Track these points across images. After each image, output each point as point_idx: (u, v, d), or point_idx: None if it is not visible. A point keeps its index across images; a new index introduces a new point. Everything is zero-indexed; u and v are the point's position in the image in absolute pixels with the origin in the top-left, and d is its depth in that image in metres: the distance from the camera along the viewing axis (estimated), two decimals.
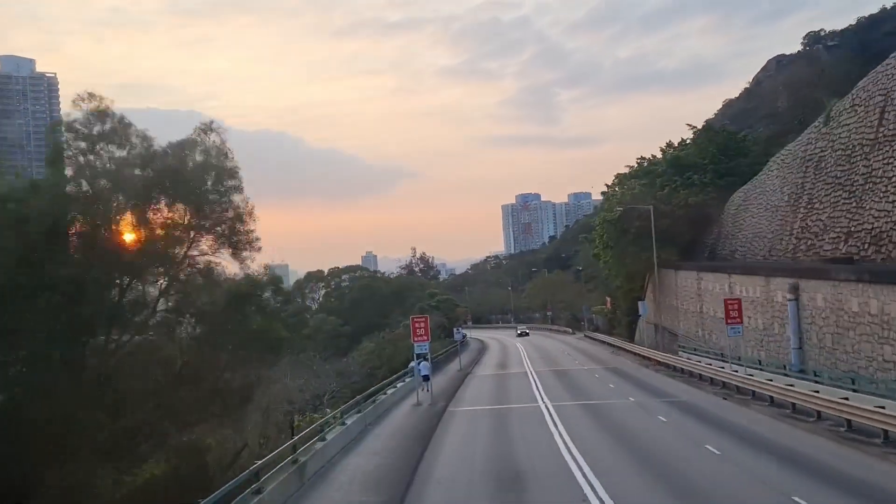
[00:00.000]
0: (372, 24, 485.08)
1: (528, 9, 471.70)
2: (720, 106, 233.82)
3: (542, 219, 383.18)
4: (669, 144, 73.77)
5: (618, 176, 70.11)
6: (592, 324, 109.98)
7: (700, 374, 42.03)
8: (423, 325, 39.10)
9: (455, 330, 64.64)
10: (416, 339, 39.00)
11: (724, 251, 55.63)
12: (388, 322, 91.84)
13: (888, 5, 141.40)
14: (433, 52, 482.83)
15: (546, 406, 35.75)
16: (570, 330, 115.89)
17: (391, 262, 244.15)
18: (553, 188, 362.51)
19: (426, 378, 43.38)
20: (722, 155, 61.97)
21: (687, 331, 58.76)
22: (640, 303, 63.85)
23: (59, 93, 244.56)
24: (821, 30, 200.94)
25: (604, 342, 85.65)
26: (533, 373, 55.85)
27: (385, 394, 39.23)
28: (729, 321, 37.63)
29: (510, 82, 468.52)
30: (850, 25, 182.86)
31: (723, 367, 39.59)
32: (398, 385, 43.53)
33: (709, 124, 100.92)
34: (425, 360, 42.79)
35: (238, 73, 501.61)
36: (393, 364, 56.34)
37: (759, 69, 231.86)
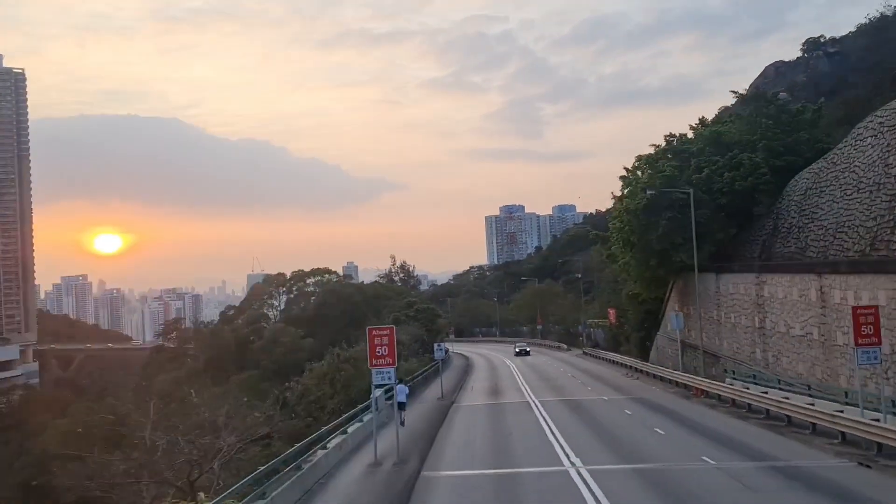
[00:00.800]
0: (357, 35, 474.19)
1: (513, 24, 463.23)
2: (716, 113, 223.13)
3: (527, 230, 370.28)
4: (703, 121, 60.31)
5: (640, 158, 56.57)
6: (591, 339, 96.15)
7: (808, 423, 28.07)
8: (385, 340, 24.83)
9: (436, 346, 50.47)
10: (374, 362, 24.86)
11: (787, 249, 42.01)
12: (359, 334, 77.73)
13: (889, 13, 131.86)
14: (418, 64, 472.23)
15: (580, 475, 21.74)
16: (565, 346, 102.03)
17: (373, 272, 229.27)
18: (537, 201, 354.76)
19: (401, 406, 33.40)
20: (778, 128, 48.53)
21: (736, 351, 44.99)
22: (672, 315, 50.04)
23: (27, 88, 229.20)
24: (820, 36, 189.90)
25: (611, 361, 71.76)
26: (537, 404, 41.88)
27: (327, 447, 25.11)
28: (861, 342, 23.84)
29: (495, 96, 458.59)
30: (850, 32, 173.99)
31: (841, 411, 25.75)
32: (350, 429, 29.37)
33: (759, 91, 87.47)
34: (401, 382, 34.62)
35: (221, 81, 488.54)
36: (351, 392, 42.17)
37: (756, 76, 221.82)
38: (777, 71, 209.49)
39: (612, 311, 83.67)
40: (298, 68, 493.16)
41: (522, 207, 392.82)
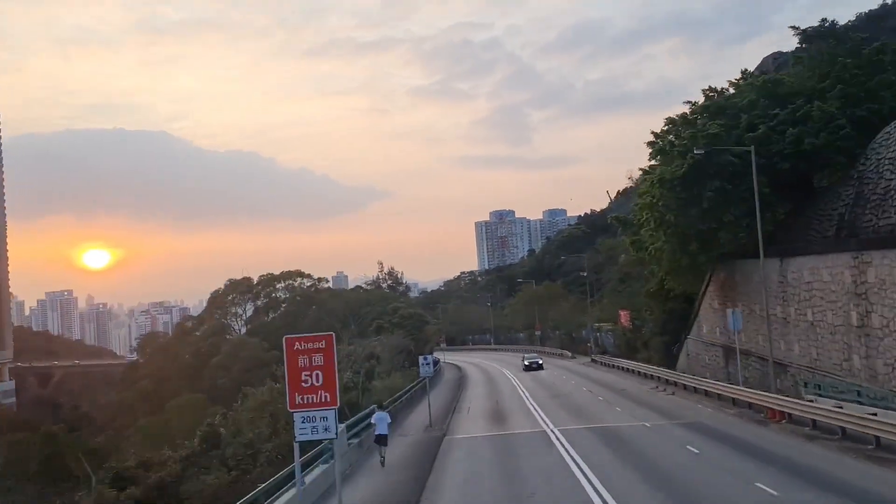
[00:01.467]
0: (343, 45, 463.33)
1: (499, 30, 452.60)
2: (756, 65, 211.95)
3: (518, 234, 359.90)
4: (745, 73, 49.51)
5: (669, 121, 45.40)
6: (598, 345, 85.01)
7: None
8: (318, 359, 13.52)
9: (422, 359, 39.07)
10: (298, 399, 13.56)
11: (886, 219, 31.07)
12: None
13: (889, 1, 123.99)
14: (405, 72, 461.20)
15: None
16: (569, 353, 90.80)
17: (362, 281, 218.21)
18: (527, 207, 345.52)
19: (382, 440, 26.40)
20: (858, 69, 37.59)
21: (815, 358, 33.89)
22: (729, 312, 38.86)
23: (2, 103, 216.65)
24: (823, 21, 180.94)
25: (629, 371, 60.71)
26: (557, 434, 30.70)
27: None
28: None
29: (482, 103, 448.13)
30: (850, 21, 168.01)
31: None
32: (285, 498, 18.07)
33: (828, 29, 76.65)
34: (381, 407, 29.01)
35: (208, 93, 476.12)
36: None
37: (755, 66, 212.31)
38: (775, 61, 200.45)
39: (623, 313, 72.66)
40: (285, 78, 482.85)
41: (512, 212, 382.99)
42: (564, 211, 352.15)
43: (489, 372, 79.01)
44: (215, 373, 64.38)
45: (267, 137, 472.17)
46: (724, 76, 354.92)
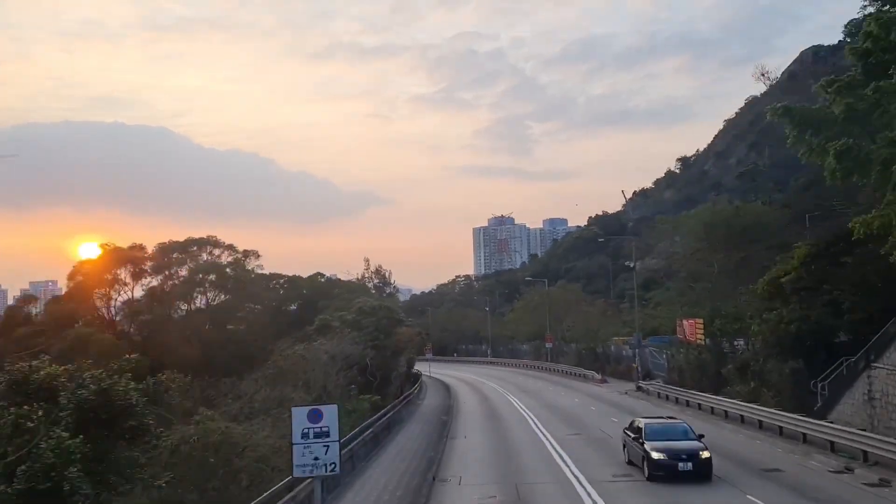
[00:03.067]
0: (348, 49, 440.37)
1: (503, 41, 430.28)
2: (742, 105, 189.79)
3: (518, 239, 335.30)
4: None
5: None
6: (645, 368, 59.74)
7: None
8: None
9: (297, 413, 13.97)
10: None
11: None
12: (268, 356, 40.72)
13: None
14: (409, 79, 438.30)
15: None
16: (597, 375, 65.72)
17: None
18: (526, 217, 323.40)
19: None
20: None
21: None
22: None
23: None
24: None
25: (719, 413, 36.03)
26: None
27: None
28: None
29: (484, 113, 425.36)
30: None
31: None
32: None
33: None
34: None
35: (210, 91, 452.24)
36: None
37: (791, 61, 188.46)
38: (815, 56, 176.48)
39: (690, 323, 48.06)
40: (288, 80, 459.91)
41: (512, 219, 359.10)
42: (565, 220, 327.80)
43: (489, 397, 54.50)
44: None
45: (268, 138, 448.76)
46: (725, 96, 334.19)
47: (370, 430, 28.29)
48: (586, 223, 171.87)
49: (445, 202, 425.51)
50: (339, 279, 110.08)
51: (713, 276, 45.98)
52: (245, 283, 44.91)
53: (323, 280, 70.92)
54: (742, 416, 35.31)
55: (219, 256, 48.72)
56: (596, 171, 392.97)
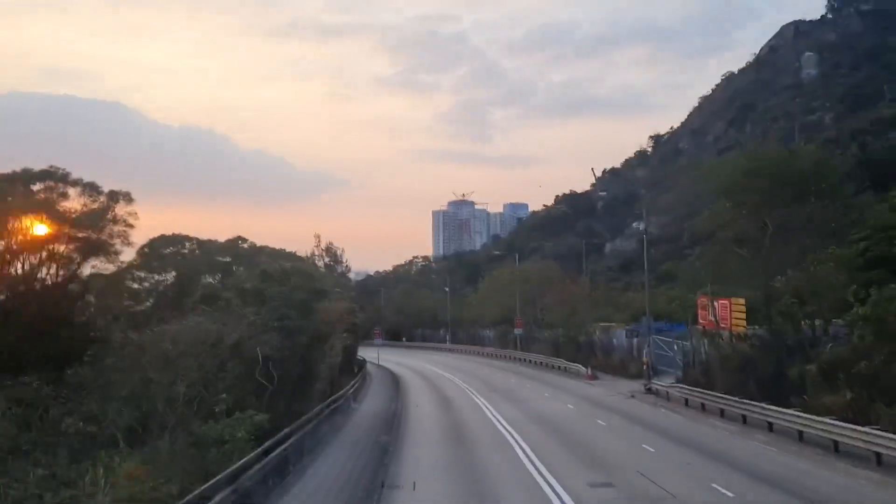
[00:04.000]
0: (308, 28, 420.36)
1: (466, 24, 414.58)
2: (718, 80, 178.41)
3: (478, 220, 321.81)
4: None
5: None
6: (648, 365, 45.65)
7: None
8: None
9: None
10: None
11: None
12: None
13: None
14: (370, 60, 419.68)
15: None
16: (583, 368, 51.91)
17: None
18: (486, 202, 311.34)
19: None
20: None
21: None
22: None
23: None
24: None
25: (801, 436, 22.80)
26: None
27: None
28: None
29: (445, 97, 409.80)
30: None
31: None
32: None
33: None
34: None
35: (165, 65, 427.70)
36: None
37: (771, 35, 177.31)
38: (797, 30, 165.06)
39: (723, 304, 34.69)
40: (245, 57, 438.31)
41: (472, 203, 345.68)
42: (526, 205, 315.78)
43: (452, 402, 40.46)
44: None
45: (224, 115, 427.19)
46: (686, 87, 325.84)
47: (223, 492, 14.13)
48: (553, 203, 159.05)
49: (404, 186, 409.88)
50: (269, 247, 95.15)
51: (764, 239, 32.67)
52: (103, 242, 29.71)
53: (246, 245, 56.46)
54: (836, 441, 22.22)
55: (64, 199, 33.45)
56: (556, 157, 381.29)
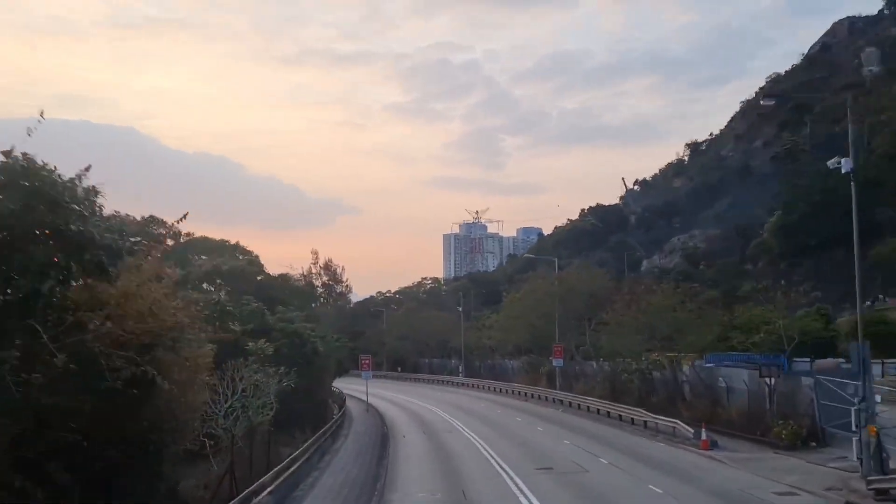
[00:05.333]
0: (320, 55, 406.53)
1: (478, 53, 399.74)
2: (762, 83, 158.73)
3: (491, 243, 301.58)
4: None
5: None
6: (801, 408, 25.51)
7: None
8: None
9: None
10: None
11: None
12: None
13: None
14: (381, 88, 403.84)
15: None
16: (685, 426, 31.41)
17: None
18: (498, 229, 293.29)
19: None
20: None
21: None
22: None
23: None
24: None
25: None
26: None
27: None
28: None
29: (457, 125, 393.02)
30: None
31: None
32: None
33: None
34: None
35: (179, 92, 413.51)
36: None
37: (822, 33, 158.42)
38: (852, 27, 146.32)
39: None
40: (259, 84, 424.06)
41: (485, 227, 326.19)
42: (540, 230, 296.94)
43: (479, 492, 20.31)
44: None
45: (237, 143, 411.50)
46: (697, 117, 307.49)
47: None
48: (578, 217, 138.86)
49: (415, 214, 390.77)
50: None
51: None
52: None
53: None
54: None
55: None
56: (567, 186, 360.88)
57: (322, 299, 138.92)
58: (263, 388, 22.54)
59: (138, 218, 22.35)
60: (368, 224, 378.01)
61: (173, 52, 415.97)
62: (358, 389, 52.88)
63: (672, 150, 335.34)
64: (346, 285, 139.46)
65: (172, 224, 26.70)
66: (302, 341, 29.91)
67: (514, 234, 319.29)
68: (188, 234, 38.52)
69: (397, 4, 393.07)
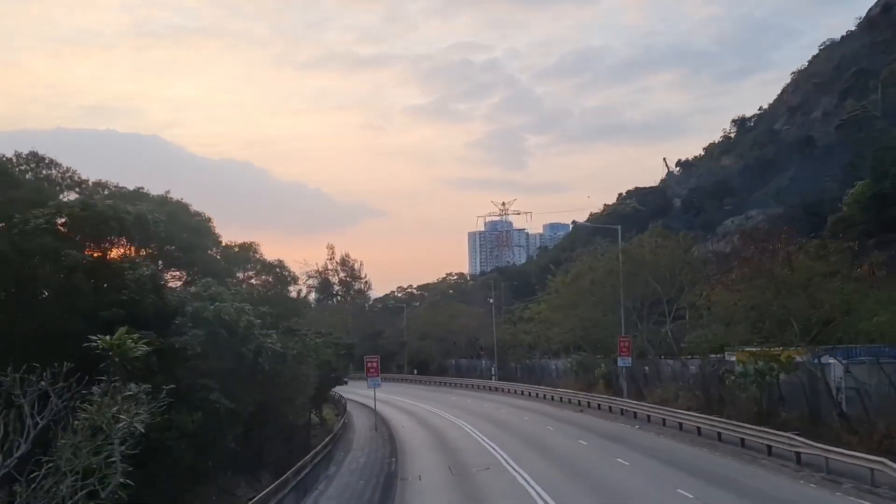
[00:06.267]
0: (341, 59, 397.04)
1: (498, 52, 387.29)
2: (815, 52, 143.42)
3: (518, 239, 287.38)
4: None
5: None
6: None
7: None
8: None
9: None
10: None
11: None
12: None
13: None
14: (402, 90, 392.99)
15: None
16: (869, 465, 18.53)
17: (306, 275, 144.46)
18: (526, 212, 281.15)
19: None
20: None
21: None
22: None
23: None
24: None
25: None
26: None
27: None
28: None
29: (479, 125, 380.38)
30: None
31: None
32: None
33: None
34: None
35: (202, 100, 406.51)
36: None
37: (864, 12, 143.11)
38: None
39: None
40: (281, 90, 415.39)
41: (510, 223, 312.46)
42: (567, 226, 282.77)
43: None
44: None
45: (261, 148, 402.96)
46: (721, 110, 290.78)
47: None
48: (617, 200, 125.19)
49: (439, 215, 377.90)
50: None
51: None
52: None
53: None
54: None
55: None
56: (591, 184, 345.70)
57: (339, 297, 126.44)
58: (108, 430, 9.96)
59: None
60: (393, 226, 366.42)
61: (197, 60, 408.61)
62: (369, 395, 40.70)
63: (698, 145, 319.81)
64: (366, 282, 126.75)
65: None
66: (236, 335, 17.41)
67: (541, 231, 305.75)
68: None
69: (417, 6, 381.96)
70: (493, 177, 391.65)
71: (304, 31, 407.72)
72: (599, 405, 40.37)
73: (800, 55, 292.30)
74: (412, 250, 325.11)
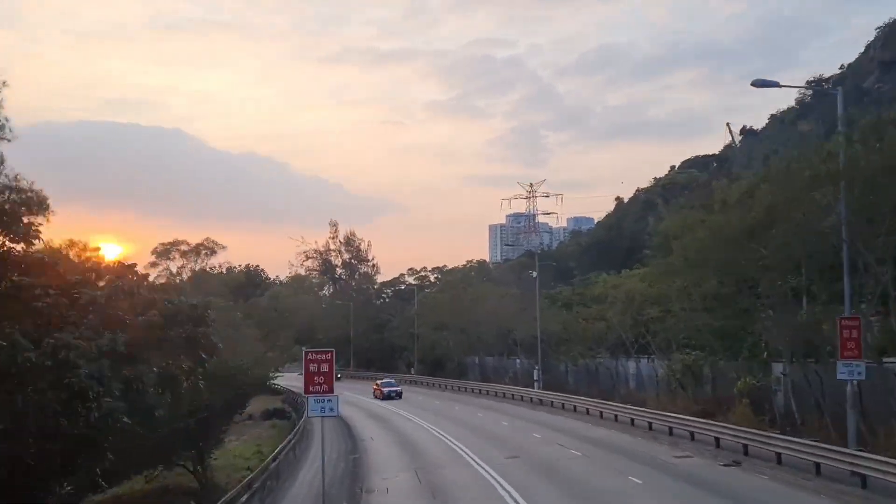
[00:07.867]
0: (361, 54, 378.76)
1: (520, 48, 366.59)
2: (871, 38, 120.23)
3: (544, 226, 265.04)
4: None
5: None
6: None
7: None
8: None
9: None
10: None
11: None
12: None
13: None
14: (423, 85, 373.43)
15: None
16: None
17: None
18: (556, 202, 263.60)
19: None
20: None
21: None
22: None
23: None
24: None
25: None
26: None
27: None
28: None
29: (499, 121, 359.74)
30: None
31: None
32: None
33: None
34: None
35: (223, 94, 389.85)
36: None
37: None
38: None
39: None
40: (301, 84, 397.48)
41: (533, 216, 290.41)
42: (592, 220, 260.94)
43: None
44: None
45: (282, 142, 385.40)
46: (745, 110, 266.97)
47: None
48: (677, 168, 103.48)
49: (459, 210, 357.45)
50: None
51: None
52: None
53: None
54: None
55: None
56: (613, 181, 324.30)
57: (343, 280, 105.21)
58: None
59: None
60: (413, 222, 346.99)
61: (217, 53, 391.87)
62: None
63: (720, 143, 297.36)
64: (374, 265, 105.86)
65: None
66: None
67: (564, 225, 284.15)
68: None
69: (438, 1, 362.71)
70: (513, 174, 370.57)
71: (324, 25, 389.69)
72: (779, 456, 19.59)
73: (830, 55, 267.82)
74: (430, 245, 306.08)
